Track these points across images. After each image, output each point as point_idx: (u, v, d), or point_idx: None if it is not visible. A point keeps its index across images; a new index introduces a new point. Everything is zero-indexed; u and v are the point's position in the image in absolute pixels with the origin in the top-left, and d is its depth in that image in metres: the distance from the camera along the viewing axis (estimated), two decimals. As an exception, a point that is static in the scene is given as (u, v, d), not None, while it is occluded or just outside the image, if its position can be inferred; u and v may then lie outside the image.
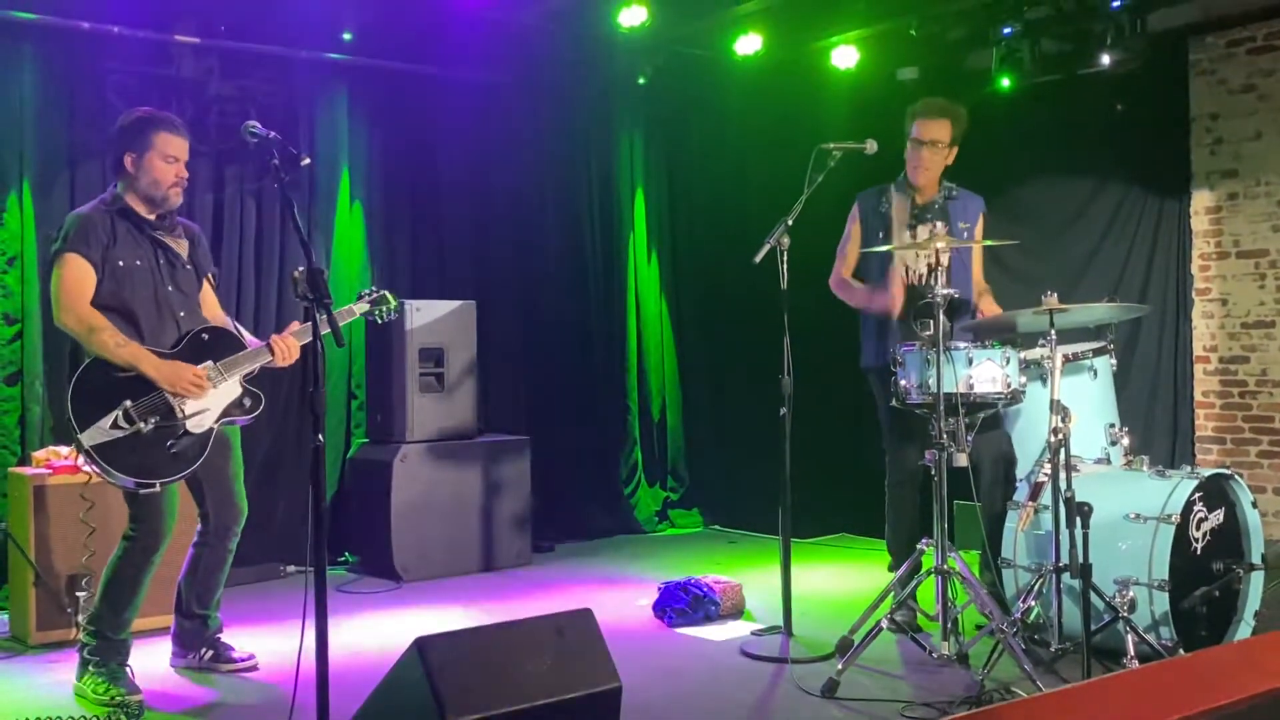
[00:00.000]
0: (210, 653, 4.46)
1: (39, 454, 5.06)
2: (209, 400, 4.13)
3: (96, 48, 5.74)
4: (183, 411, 4.05)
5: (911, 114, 4.95)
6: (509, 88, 7.03)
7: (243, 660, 4.48)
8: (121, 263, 4.10)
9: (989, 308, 4.98)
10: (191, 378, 4.06)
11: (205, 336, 4.20)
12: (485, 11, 6.15)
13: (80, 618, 4.61)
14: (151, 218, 4.21)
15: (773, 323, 4.79)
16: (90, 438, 3.90)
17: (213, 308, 4.43)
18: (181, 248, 4.29)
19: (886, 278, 4.90)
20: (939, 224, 4.33)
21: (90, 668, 4.12)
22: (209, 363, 4.14)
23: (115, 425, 3.93)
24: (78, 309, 4.01)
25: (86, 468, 4.77)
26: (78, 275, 4.04)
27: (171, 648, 4.52)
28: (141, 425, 3.96)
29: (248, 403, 4.25)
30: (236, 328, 4.43)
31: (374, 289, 4.70)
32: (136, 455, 3.96)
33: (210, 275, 4.45)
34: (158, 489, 4.04)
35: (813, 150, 4.71)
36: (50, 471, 4.87)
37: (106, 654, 4.12)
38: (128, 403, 3.96)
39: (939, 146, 4.88)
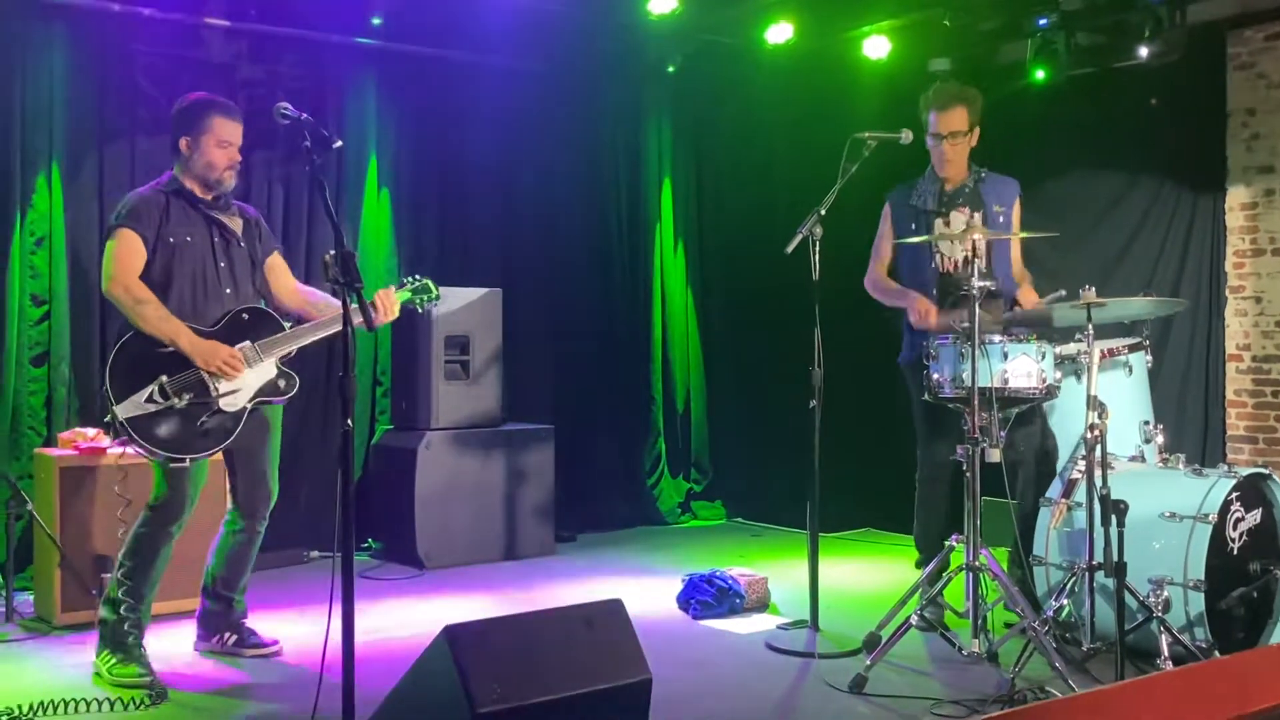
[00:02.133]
0: (235, 637, 4.47)
1: (65, 435, 5.07)
2: (243, 380, 4.17)
3: (127, 30, 5.73)
4: (216, 390, 4.11)
5: (925, 104, 4.88)
6: (537, 75, 6.99)
7: (267, 645, 4.47)
8: (173, 239, 4.18)
9: (1027, 297, 4.90)
10: (226, 357, 4.11)
11: (246, 316, 4.25)
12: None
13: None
14: (208, 198, 4.28)
15: (799, 314, 4.74)
16: (125, 410, 3.98)
17: (286, 281, 4.48)
18: (236, 225, 4.36)
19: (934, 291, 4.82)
20: (976, 214, 4.28)
21: (106, 643, 4.13)
22: (246, 343, 4.20)
23: (150, 399, 4.01)
24: (126, 280, 4.09)
25: (112, 445, 4.80)
26: (129, 248, 4.13)
27: (196, 630, 4.52)
28: (175, 400, 4.04)
29: (282, 384, 4.29)
30: (319, 296, 4.48)
31: (416, 276, 4.69)
32: (168, 430, 4.03)
33: (277, 251, 4.52)
34: (186, 464, 4.10)
35: (843, 141, 4.67)
36: (76, 453, 4.87)
37: (122, 629, 4.12)
38: (164, 378, 4.04)
39: (959, 137, 4.82)
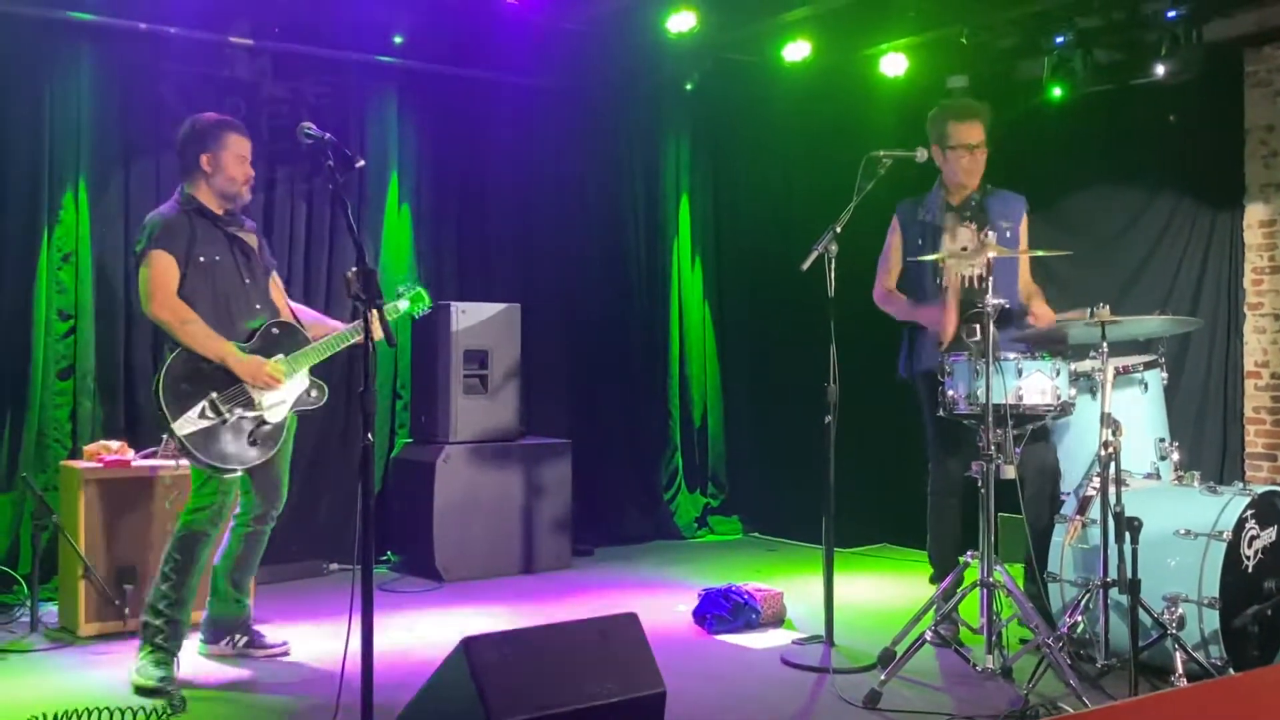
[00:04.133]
0: (244, 639, 4.58)
1: (90, 447, 5.13)
2: (284, 391, 4.37)
3: (153, 48, 5.82)
4: (262, 402, 4.29)
5: (941, 118, 4.89)
6: (557, 92, 7.06)
7: (276, 647, 4.57)
8: (203, 258, 4.33)
9: (1041, 310, 4.90)
10: (271, 371, 4.30)
11: (275, 331, 4.44)
12: (534, 16, 6.19)
13: (127, 609, 4.77)
14: (222, 214, 4.43)
15: (816, 330, 4.77)
16: (181, 427, 4.16)
17: (281, 300, 4.63)
18: (252, 241, 4.53)
19: (942, 298, 4.82)
20: (990, 233, 4.30)
21: (149, 646, 4.22)
22: (280, 356, 4.38)
23: (203, 415, 4.20)
24: (170, 302, 4.25)
25: (138, 458, 4.89)
26: (164, 269, 4.26)
27: (202, 634, 4.59)
28: (227, 415, 4.22)
29: (314, 393, 4.49)
30: (310, 315, 4.69)
31: (411, 285, 4.93)
32: (222, 443, 4.23)
33: (275, 270, 4.69)
34: (239, 473, 4.30)
35: (860, 158, 4.69)
36: (101, 465, 4.93)
37: (166, 636, 4.22)
38: (214, 394, 4.22)
39: (981, 148, 4.85)
